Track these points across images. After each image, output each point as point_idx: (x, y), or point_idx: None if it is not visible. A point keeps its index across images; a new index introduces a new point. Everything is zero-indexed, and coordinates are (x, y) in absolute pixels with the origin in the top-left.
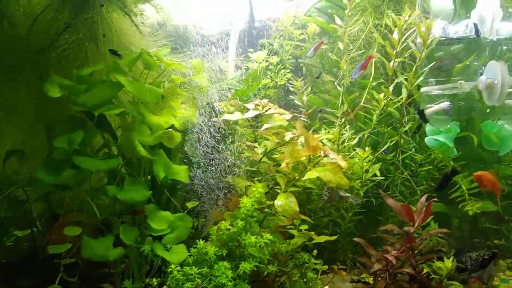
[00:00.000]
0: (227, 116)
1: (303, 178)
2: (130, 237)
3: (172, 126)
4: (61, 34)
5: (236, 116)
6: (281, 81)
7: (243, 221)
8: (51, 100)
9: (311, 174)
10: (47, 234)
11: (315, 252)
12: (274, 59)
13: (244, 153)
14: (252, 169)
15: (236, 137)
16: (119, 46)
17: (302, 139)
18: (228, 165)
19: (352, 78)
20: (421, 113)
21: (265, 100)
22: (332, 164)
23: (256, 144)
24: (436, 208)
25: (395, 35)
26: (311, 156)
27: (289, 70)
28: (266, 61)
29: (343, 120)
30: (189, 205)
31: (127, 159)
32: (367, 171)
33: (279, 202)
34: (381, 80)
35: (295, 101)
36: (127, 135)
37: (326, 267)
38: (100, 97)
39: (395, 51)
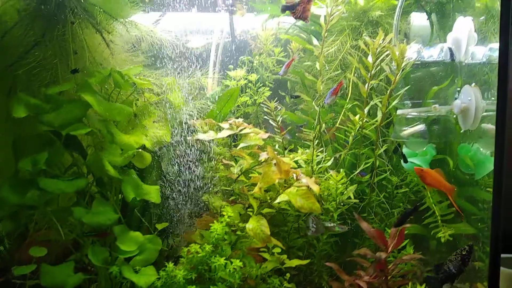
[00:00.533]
0: (200, 136)
1: (275, 202)
2: (99, 258)
3: (143, 146)
4: (30, 51)
5: (210, 135)
6: (259, 99)
7: (213, 245)
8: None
9: (283, 197)
10: (15, 253)
11: (288, 275)
12: (253, 77)
13: (219, 172)
14: (228, 188)
15: (213, 155)
16: (92, 63)
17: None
18: (203, 184)
19: (324, 103)
20: (396, 150)
21: (240, 120)
22: (304, 189)
23: (232, 163)
24: (412, 230)
25: (370, 58)
26: (284, 180)
27: (268, 88)
28: (245, 78)
29: (316, 141)
30: (159, 226)
31: (97, 177)
32: (342, 193)
33: (250, 225)
34: (356, 102)
35: (269, 121)
36: (96, 155)
37: None
38: (67, 116)
39: (369, 74)
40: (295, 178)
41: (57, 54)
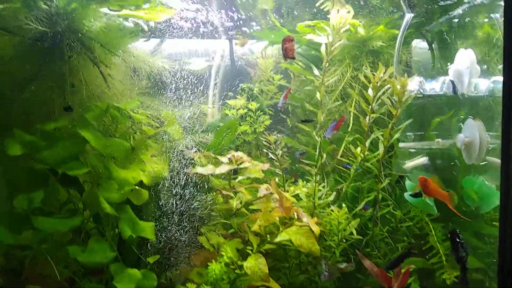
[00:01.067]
0: (199, 170)
1: (276, 240)
2: None
3: (141, 182)
4: (25, 86)
5: (209, 170)
6: (260, 128)
7: (211, 285)
8: None
9: (284, 236)
10: None
11: None
12: (253, 105)
13: (218, 205)
14: (227, 221)
15: (211, 187)
16: (89, 96)
17: (276, 195)
18: (201, 217)
19: (325, 137)
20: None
21: (240, 153)
22: (304, 228)
23: (232, 194)
24: (418, 264)
25: (370, 92)
26: (285, 217)
27: (268, 117)
28: (245, 107)
29: (318, 176)
30: (151, 259)
31: (93, 213)
32: (344, 229)
33: (248, 264)
34: (357, 135)
35: (269, 155)
36: (92, 192)
37: None
38: (63, 154)
39: (370, 107)
40: (296, 216)
41: (53, 88)
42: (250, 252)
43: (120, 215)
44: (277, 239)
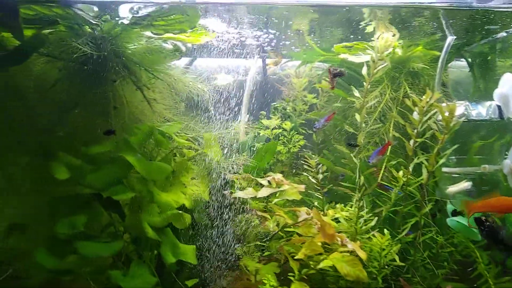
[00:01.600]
0: (239, 194)
1: (319, 266)
2: None
3: (182, 206)
4: (71, 111)
5: (249, 193)
6: (294, 148)
7: None
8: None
9: (327, 263)
10: None
11: None
12: (288, 125)
13: (253, 227)
14: (263, 244)
15: (247, 208)
16: (130, 119)
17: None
18: (237, 239)
19: (369, 162)
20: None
21: (279, 176)
22: (350, 255)
23: (267, 215)
24: None
25: (415, 115)
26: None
27: (302, 137)
28: (279, 127)
29: (359, 201)
30: (189, 283)
31: (133, 236)
32: (385, 255)
33: None
34: (400, 159)
35: (309, 177)
36: (135, 216)
37: None
38: (108, 178)
39: (415, 131)
40: (340, 242)
41: (97, 111)
42: (292, 278)
43: (161, 239)
44: (320, 266)
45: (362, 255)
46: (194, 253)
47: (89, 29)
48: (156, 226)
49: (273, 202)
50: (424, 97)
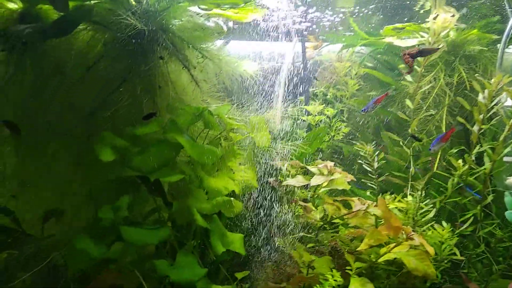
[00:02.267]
0: (290, 182)
1: (380, 260)
2: None
3: (232, 192)
4: (116, 90)
5: (300, 181)
6: (338, 136)
7: None
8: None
9: (390, 256)
10: None
11: None
12: (330, 111)
13: (298, 217)
14: (311, 236)
15: (293, 198)
16: (175, 100)
17: (372, 210)
18: (281, 230)
19: (429, 150)
20: None
21: (331, 163)
22: (416, 249)
23: (310, 205)
24: None
25: (481, 99)
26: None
27: (345, 124)
28: (321, 113)
29: (421, 191)
30: (239, 275)
31: (178, 224)
32: (443, 249)
33: None
34: (462, 147)
35: (363, 165)
36: (183, 202)
37: None
38: (157, 160)
39: (481, 117)
40: (405, 236)
41: (142, 90)
42: (350, 272)
43: (211, 228)
44: (382, 259)
45: (430, 250)
46: (242, 243)
47: (134, 2)
48: (205, 213)
49: (320, 191)
50: (493, 80)
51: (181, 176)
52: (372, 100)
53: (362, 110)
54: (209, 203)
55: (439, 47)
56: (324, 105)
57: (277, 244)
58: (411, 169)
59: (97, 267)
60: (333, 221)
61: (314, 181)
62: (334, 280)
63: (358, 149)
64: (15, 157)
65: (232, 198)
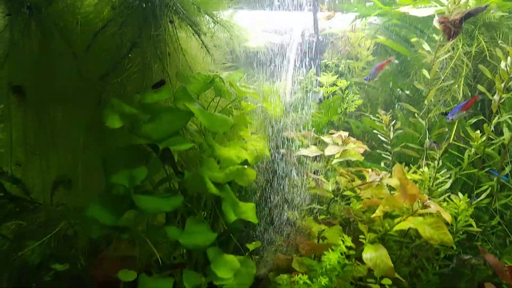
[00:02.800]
0: (303, 152)
1: (395, 229)
2: (191, 283)
3: (245, 161)
4: (126, 55)
5: (313, 151)
6: (351, 108)
7: (326, 278)
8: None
9: (404, 225)
10: (89, 270)
11: None
12: (343, 82)
13: (310, 189)
14: (322, 208)
15: (305, 169)
16: (184, 67)
17: (388, 181)
18: (291, 202)
19: (447, 119)
20: None
21: (345, 133)
22: (433, 217)
23: (322, 178)
24: None
25: (503, 66)
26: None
27: (358, 96)
28: (334, 84)
29: (438, 161)
30: (250, 246)
31: (188, 195)
32: (459, 220)
33: (368, 255)
34: (481, 117)
35: (379, 136)
36: (195, 171)
37: None
38: (167, 128)
39: (503, 85)
40: (421, 204)
41: (151, 56)
42: (363, 241)
43: (223, 197)
44: (396, 228)
45: (447, 217)
46: (255, 212)
47: None
48: (217, 182)
49: (333, 162)
50: None
51: (192, 145)
52: (374, 67)
53: (365, 79)
54: (221, 172)
55: (486, 5)
56: (337, 77)
57: (286, 216)
58: (426, 141)
59: (107, 237)
60: (345, 193)
61: (329, 151)
62: (346, 247)
63: (374, 119)
64: (22, 124)
65: (245, 166)
